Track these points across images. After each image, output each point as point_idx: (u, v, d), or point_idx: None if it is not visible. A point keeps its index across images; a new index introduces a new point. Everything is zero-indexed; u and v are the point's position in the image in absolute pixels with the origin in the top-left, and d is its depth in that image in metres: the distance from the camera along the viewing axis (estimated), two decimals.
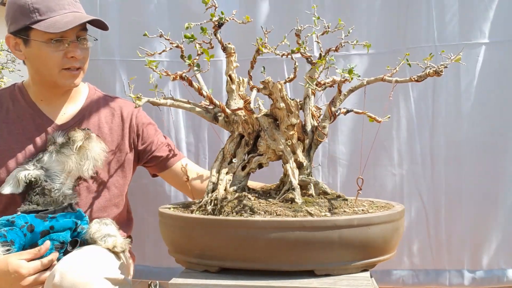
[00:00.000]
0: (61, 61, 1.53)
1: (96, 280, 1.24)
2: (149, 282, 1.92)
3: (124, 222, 1.77)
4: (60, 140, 1.51)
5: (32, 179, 1.45)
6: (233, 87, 1.43)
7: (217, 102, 1.39)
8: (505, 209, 1.86)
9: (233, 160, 1.36)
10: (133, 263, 1.72)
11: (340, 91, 1.40)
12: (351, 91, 1.41)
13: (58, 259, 1.36)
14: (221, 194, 1.29)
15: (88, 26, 1.61)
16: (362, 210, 1.29)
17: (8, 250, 1.32)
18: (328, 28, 1.38)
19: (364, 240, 1.18)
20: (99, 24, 1.59)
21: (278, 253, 1.16)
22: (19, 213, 1.41)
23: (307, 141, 1.39)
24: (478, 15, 1.84)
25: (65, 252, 1.40)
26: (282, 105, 1.32)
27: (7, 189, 1.44)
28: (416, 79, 1.35)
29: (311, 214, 1.20)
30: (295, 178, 1.32)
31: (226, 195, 1.28)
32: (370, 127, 1.94)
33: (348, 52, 1.91)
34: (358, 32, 1.91)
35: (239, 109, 1.38)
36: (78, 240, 1.42)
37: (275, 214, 1.20)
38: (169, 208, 1.39)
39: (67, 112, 1.65)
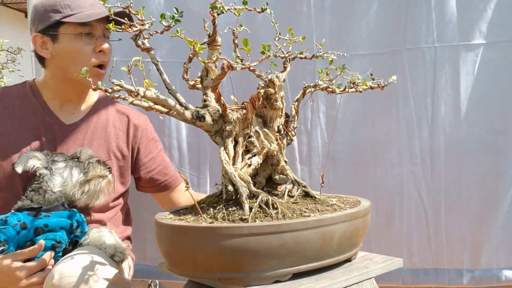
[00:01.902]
0: (90, 56, 1.57)
1: (95, 280, 1.23)
2: (149, 282, 1.92)
3: (123, 219, 1.78)
4: (83, 157, 1.50)
5: (36, 174, 1.45)
6: (211, 80, 1.29)
7: (222, 100, 1.30)
8: (504, 209, 1.87)
9: (247, 162, 1.30)
10: (133, 263, 1.73)
11: (304, 93, 1.42)
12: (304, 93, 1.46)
13: (57, 259, 1.35)
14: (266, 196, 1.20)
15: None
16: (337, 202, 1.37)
17: (2, 250, 1.31)
18: (280, 35, 1.34)
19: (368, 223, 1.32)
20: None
21: (344, 244, 1.18)
22: (12, 211, 1.40)
23: (284, 141, 1.38)
24: (478, 16, 1.84)
25: (65, 252, 1.39)
26: (280, 105, 1.32)
27: (18, 168, 1.44)
28: (354, 90, 1.43)
29: (339, 207, 1.24)
30: (297, 177, 1.34)
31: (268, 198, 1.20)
32: (371, 127, 1.95)
33: (348, 52, 1.92)
34: (358, 32, 1.93)
35: (240, 107, 1.34)
36: (79, 241, 1.42)
37: (317, 211, 1.20)
38: (185, 219, 1.19)
39: (76, 113, 1.67)
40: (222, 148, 1.26)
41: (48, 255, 1.34)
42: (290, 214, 1.14)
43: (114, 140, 1.68)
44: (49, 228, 1.37)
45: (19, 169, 1.44)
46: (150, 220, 2.04)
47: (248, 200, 1.17)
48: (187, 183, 1.25)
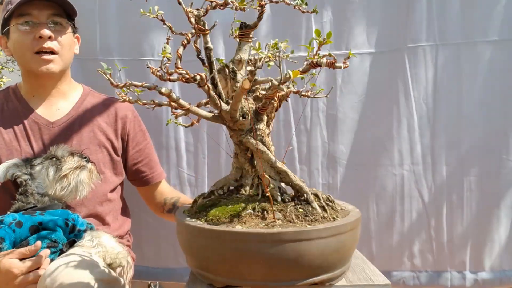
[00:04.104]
0: (31, 44, 1.56)
1: (88, 282, 1.21)
2: (149, 283, 1.91)
3: (121, 212, 1.78)
4: (59, 154, 1.50)
5: (18, 181, 1.47)
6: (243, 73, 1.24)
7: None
8: (506, 210, 1.85)
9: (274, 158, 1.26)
10: (133, 262, 1.71)
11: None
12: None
13: (53, 258, 1.34)
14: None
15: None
16: None
17: None
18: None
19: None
20: (69, 7, 1.61)
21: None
22: (8, 213, 1.42)
23: None
24: (480, 14, 1.83)
25: (61, 252, 1.38)
26: (276, 105, 1.31)
27: None
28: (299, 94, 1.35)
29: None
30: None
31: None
32: (371, 126, 1.94)
33: (348, 51, 1.90)
34: (358, 30, 1.91)
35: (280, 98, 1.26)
36: (76, 240, 1.41)
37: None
38: (250, 225, 1.09)
39: (60, 109, 1.67)
40: (265, 148, 1.19)
41: (44, 253, 1.33)
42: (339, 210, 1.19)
43: (104, 133, 1.68)
44: (43, 226, 1.37)
45: None
46: (148, 221, 2.04)
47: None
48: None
